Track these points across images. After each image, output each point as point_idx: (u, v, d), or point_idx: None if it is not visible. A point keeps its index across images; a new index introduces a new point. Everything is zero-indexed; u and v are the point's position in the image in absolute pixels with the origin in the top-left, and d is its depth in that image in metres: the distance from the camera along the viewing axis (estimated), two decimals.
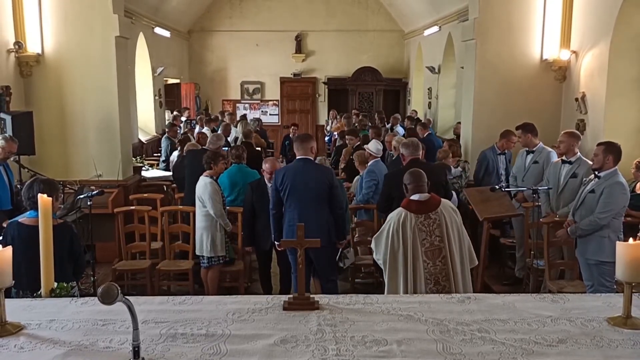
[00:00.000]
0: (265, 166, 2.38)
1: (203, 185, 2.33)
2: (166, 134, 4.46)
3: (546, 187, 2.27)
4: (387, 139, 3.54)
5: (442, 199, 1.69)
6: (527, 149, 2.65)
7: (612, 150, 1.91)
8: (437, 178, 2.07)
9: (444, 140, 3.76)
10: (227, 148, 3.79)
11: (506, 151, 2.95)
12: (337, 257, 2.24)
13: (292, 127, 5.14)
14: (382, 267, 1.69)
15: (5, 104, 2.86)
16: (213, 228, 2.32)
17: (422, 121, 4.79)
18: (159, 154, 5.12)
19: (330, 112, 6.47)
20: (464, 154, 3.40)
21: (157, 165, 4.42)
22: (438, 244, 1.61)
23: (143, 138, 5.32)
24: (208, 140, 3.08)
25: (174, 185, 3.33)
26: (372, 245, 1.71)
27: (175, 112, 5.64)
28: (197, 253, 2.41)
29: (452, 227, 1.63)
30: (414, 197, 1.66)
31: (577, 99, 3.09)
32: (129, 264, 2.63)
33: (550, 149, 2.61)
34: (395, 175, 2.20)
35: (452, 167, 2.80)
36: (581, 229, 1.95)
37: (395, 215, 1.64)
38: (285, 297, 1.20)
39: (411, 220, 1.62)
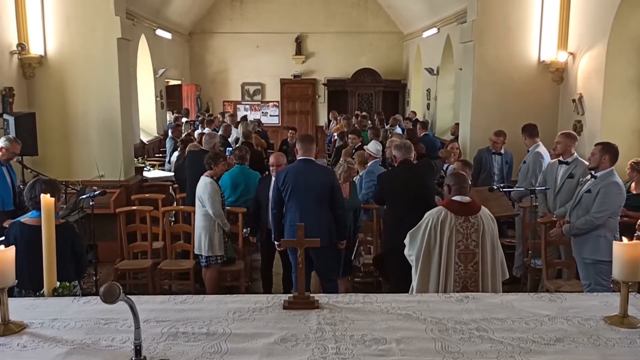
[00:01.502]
0: (270, 160, 2.42)
1: (203, 185, 2.35)
2: (170, 135, 4.50)
3: (544, 188, 2.28)
4: (387, 144, 3.55)
5: (482, 207, 1.69)
6: (529, 149, 2.68)
7: (609, 151, 1.92)
8: (424, 181, 2.06)
9: (442, 141, 3.76)
10: (230, 149, 3.80)
11: (504, 151, 2.96)
12: (353, 255, 2.24)
13: (290, 131, 5.02)
14: (412, 263, 1.66)
15: (8, 105, 2.89)
16: (211, 228, 2.33)
17: (422, 121, 4.83)
18: (160, 155, 5.19)
19: (330, 113, 6.48)
20: (463, 154, 3.42)
21: (159, 165, 4.46)
22: (473, 249, 1.59)
23: (145, 139, 5.34)
24: (203, 140, 3.09)
25: (176, 185, 3.35)
26: (406, 240, 1.69)
27: (175, 114, 5.62)
28: (196, 252, 2.42)
29: (488, 234, 1.62)
30: (456, 198, 1.65)
31: (574, 100, 3.11)
32: (131, 264, 2.65)
33: (539, 150, 2.62)
34: (386, 177, 2.21)
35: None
36: (577, 228, 1.96)
37: (435, 213, 1.64)
38: (285, 297, 1.21)
39: (451, 220, 1.60)
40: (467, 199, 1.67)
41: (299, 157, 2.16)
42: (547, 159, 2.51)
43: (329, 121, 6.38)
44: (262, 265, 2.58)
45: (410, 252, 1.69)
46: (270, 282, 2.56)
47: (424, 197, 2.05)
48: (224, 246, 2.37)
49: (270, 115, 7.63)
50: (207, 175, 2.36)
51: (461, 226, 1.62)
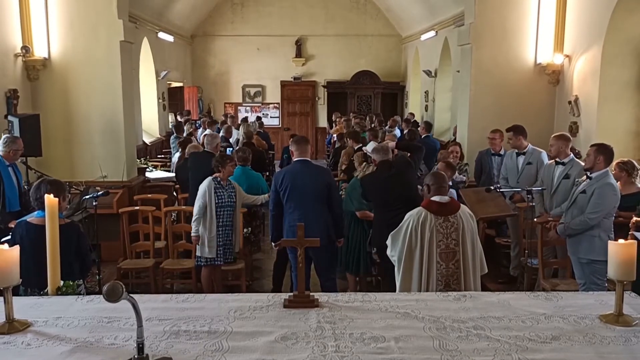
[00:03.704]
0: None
1: (201, 184, 2.36)
2: (175, 135, 4.56)
3: (540, 188, 2.31)
4: (386, 138, 3.59)
5: (462, 205, 1.71)
6: (517, 150, 2.69)
7: (603, 151, 1.95)
8: (403, 178, 2.06)
9: (441, 143, 3.79)
10: (231, 149, 3.83)
11: (503, 152, 2.98)
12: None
13: (292, 137, 5.02)
14: (394, 263, 1.70)
15: (12, 107, 2.91)
16: (203, 229, 2.33)
17: (425, 121, 4.85)
18: (163, 155, 5.22)
19: (334, 114, 6.48)
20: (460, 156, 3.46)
21: (162, 166, 4.49)
22: (453, 247, 1.62)
23: (147, 140, 5.37)
24: (205, 142, 3.12)
25: (177, 185, 3.38)
26: (388, 241, 1.72)
27: (185, 117, 5.64)
28: None
29: (468, 232, 1.64)
30: (435, 198, 1.68)
31: (570, 102, 3.14)
32: (134, 263, 2.67)
33: (541, 150, 2.65)
34: (368, 180, 2.23)
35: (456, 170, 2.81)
36: (571, 229, 1.99)
37: (416, 214, 1.66)
38: (285, 295, 1.23)
39: (431, 221, 1.63)
40: (446, 198, 1.69)
41: (295, 159, 2.18)
42: (547, 159, 2.55)
43: (333, 122, 6.38)
44: (276, 262, 2.54)
45: (393, 253, 1.71)
46: (281, 280, 2.52)
47: (406, 193, 2.07)
48: (219, 248, 2.34)
49: (271, 117, 7.68)
50: (211, 177, 2.36)
51: (441, 226, 1.64)
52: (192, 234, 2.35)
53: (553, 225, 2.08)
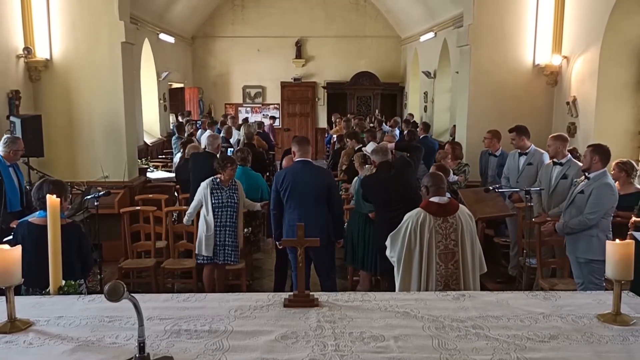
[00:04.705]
0: (284, 164, 2.49)
1: (201, 184, 2.40)
2: (177, 135, 4.59)
3: (538, 188, 2.32)
4: (385, 139, 3.61)
5: (460, 205, 1.72)
6: (520, 150, 2.70)
7: (599, 152, 1.96)
8: (403, 179, 2.07)
9: (440, 143, 3.81)
10: (232, 149, 3.86)
11: (499, 152, 2.99)
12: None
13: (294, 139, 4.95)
14: (394, 264, 1.70)
15: (15, 108, 2.93)
16: (201, 227, 2.34)
17: (424, 122, 4.89)
18: (164, 156, 5.25)
19: (333, 115, 6.50)
20: (459, 156, 3.46)
21: (163, 166, 4.53)
22: (452, 248, 1.63)
23: (148, 140, 5.39)
24: (207, 143, 3.14)
25: (178, 186, 3.40)
26: (388, 242, 1.73)
27: (186, 118, 5.66)
28: None
29: (467, 232, 1.65)
30: (434, 199, 1.68)
31: (568, 103, 3.16)
32: (135, 263, 2.69)
33: (543, 151, 2.67)
34: (367, 181, 2.24)
35: (450, 170, 2.84)
36: (570, 228, 2.00)
37: (415, 215, 1.67)
38: (285, 295, 1.23)
39: (430, 222, 1.64)
40: (444, 199, 1.70)
41: (296, 159, 2.20)
42: (548, 160, 2.57)
43: (333, 123, 6.40)
44: (277, 262, 2.55)
45: (392, 254, 1.72)
46: (284, 279, 2.51)
47: (407, 194, 2.08)
48: (217, 248, 2.35)
49: (271, 117, 7.72)
50: (212, 177, 2.39)
51: (440, 227, 1.65)
52: (186, 222, 2.40)
53: (552, 224, 2.10)
